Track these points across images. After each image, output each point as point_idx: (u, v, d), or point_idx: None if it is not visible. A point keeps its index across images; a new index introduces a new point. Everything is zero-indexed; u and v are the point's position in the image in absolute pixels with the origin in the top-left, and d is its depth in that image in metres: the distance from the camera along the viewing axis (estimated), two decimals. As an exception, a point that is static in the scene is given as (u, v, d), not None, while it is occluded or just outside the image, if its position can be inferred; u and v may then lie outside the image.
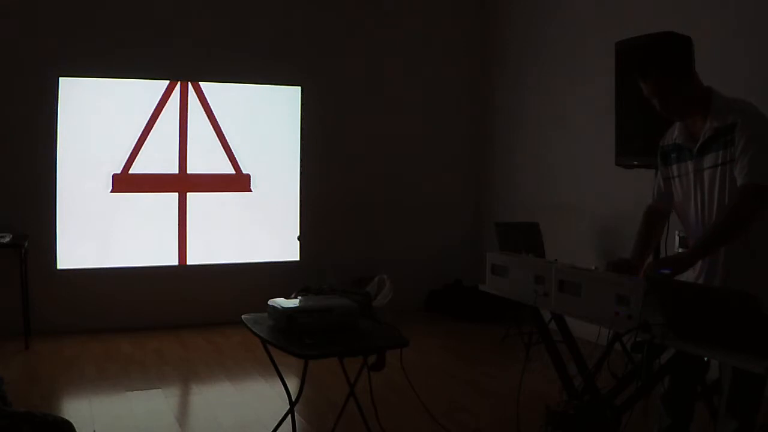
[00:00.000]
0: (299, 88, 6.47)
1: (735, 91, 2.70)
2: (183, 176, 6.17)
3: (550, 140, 6.25)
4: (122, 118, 5.97)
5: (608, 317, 2.39)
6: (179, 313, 6.07)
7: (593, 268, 2.68)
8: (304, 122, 6.50)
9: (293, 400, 3.36)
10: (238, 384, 4.65)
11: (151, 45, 5.96)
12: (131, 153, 5.99)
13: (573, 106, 5.97)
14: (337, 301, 3.33)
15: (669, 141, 2.81)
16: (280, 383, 3.47)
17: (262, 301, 3.42)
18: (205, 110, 6.20)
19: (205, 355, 5.31)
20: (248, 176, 6.37)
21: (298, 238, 6.48)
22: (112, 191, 5.97)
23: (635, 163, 4.22)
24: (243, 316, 3.44)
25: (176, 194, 6.17)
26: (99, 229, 5.97)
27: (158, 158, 6.08)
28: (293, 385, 3.58)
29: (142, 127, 6.01)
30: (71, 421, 2.38)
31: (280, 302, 3.24)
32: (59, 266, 5.83)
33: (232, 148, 6.30)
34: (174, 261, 6.18)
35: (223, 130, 6.26)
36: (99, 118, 5.89)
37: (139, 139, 6.01)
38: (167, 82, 6.07)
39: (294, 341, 3.02)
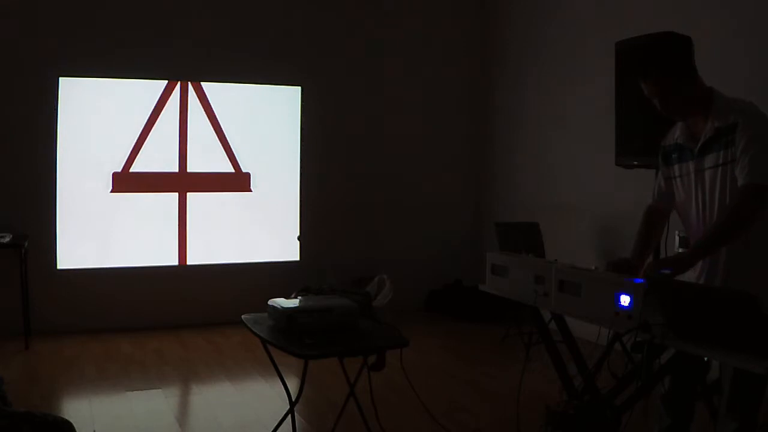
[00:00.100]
0: (299, 88, 6.47)
1: (735, 91, 2.70)
2: (183, 175, 6.17)
3: (550, 140, 6.25)
4: (122, 117, 5.97)
5: (608, 317, 2.39)
6: (179, 313, 6.07)
7: (593, 268, 2.67)
8: (304, 122, 6.50)
9: (293, 400, 3.36)
10: (238, 384, 4.65)
11: (151, 45, 5.96)
12: (131, 152, 6.00)
13: (573, 106, 5.97)
14: (337, 301, 3.33)
15: (670, 141, 2.81)
16: (280, 383, 3.47)
17: (262, 301, 3.42)
18: (205, 110, 6.20)
19: (205, 355, 5.31)
20: (248, 175, 6.37)
21: (298, 238, 6.48)
22: (112, 191, 5.97)
23: (635, 163, 4.22)
24: (243, 316, 3.44)
25: (176, 194, 6.17)
26: (99, 229, 5.97)
27: (158, 158, 6.08)
28: (293, 385, 3.58)
29: (142, 127, 6.02)
30: (71, 421, 2.38)
31: (280, 302, 3.24)
32: (59, 266, 5.83)
33: (232, 148, 6.30)
34: (174, 261, 6.18)
35: (223, 130, 6.26)
36: (99, 118, 5.89)
37: (138, 139, 6.01)
38: (167, 81, 6.07)
39: (294, 341, 3.02)
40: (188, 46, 6.08)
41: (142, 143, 6.02)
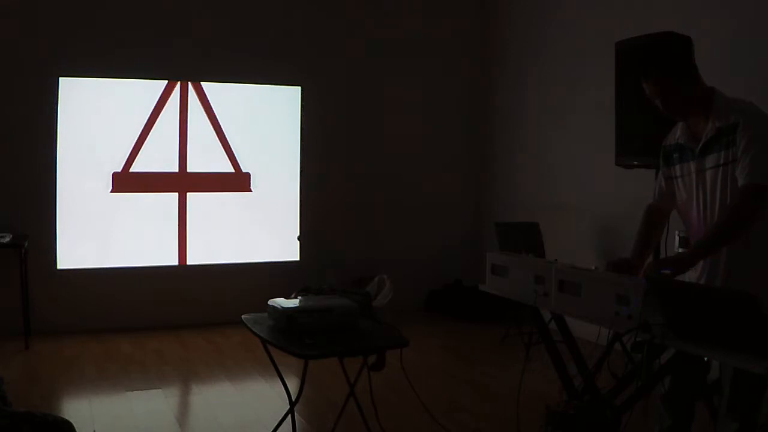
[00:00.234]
0: (299, 88, 6.47)
1: (735, 91, 2.70)
2: (183, 175, 6.17)
3: (550, 140, 6.25)
4: (122, 117, 5.97)
5: (608, 317, 2.39)
6: (179, 313, 6.07)
7: (593, 268, 2.68)
8: (304, 122, 6.50)
9: (293, 400, 3.36)
10: (238, 384, 4.65)
11: (151, 45, 5.96)
12: (131, 152, 6.00)
13: (573, 106, 5.96)
14: (337, 301, 3.33)
15: (671, 141, 2.81)
16: (280, 383, 3.47)
17: (262, 301, 3.42)
18: (205, 110, 6.20)
19: (205, 355, 5.31)
20: (248, 175, 6.37)
21: (298, 238, 6.48)
22: (112, 191, 5.97)
23: (635, 163, 4.22)
24: (243, 316, 3.44)
25: (176, 194, 6.17)
26: (99, 229, 5.97)
27: (158, 158, 6.08)
28: (293, 385, 3.58)
29: (142, 127, 6.02)
30: (71, 421, 2.38)
31: (280, 302, 3.24)
32: (59, 266, 5.83)
33: (232, 148, 6.30)
34: (174, 261, 6.18)
35: (223, 130, 6.26)
36: (99, 118, 5.89)
37: (138, 139, 6.01)
38: (167, 81, 6.07)
39: (294, 341, 3.02)
40: (188, 46, 6.08)
41: (142, 143, 6.02)
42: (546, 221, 5.66)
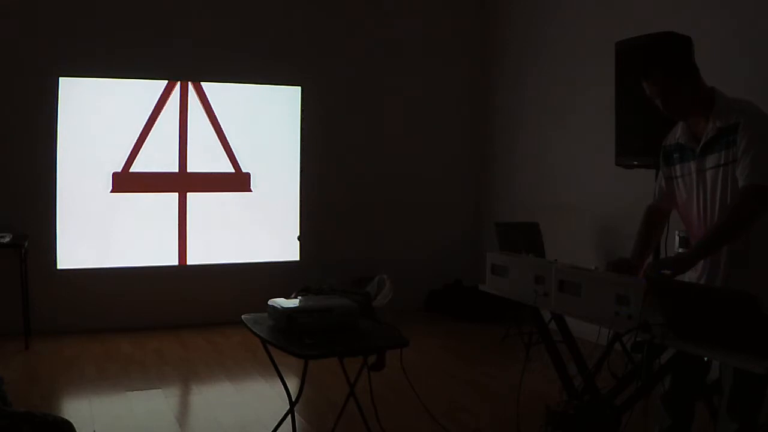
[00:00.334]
0: (299, 88, 6.47)
1: (735, 91, 2.70)
2: (183, 175, 6.17)
3: (550, 140, 6.25)
4: (122, 117, 5.97)
5: (608, 317, 2.39)
6: (179, 313, 6.07)
7: (593, 268, 2.68)
8: (304, 122, 6.50)
9: (293, 400, 3.36)
10: (238, 384, 4.65)
11: (151, 45, 5.96)
12: (131, 152, 5.99)
13: (573, 106, 5.97)
14: (337, 301, 3.33)
15: (672, 141, 2.81)
16: (280, 383, 3.47)
17: (262, 301, 3.43)
18: (205, 110, 6.20)
19: (205, 355, 5.31)
20: (248, 175, 6.37)
21: (298, 238, 6.48)
22: (112, 191, 5.97)
23: (635, 163, 4.23)
24: (243, 316, 3.44)
25: (176, 194, 6.17)
26: (99, 229, 5.97)
27: (158, 158, 6.08)
28: (293, 385, 3.58)
29: (142, 127, 6.01)
30: (71, 421, 2.38)
31: (280, 302, 3.24)
32: (59, 266, 5.83)
33: (232, 148, 6.30)
34: (174, 261, 6.18)
35: (223, 130, 6.26)
36: (99, 118, 5.89)
37: (138, 139, 6.01)
38: (167, 81, 6.06)
39: (294, 341, 3.02)
40: (188, 46, 6.07)
41: (142, 143, 6.02)
42: (546, 221, 5.66)
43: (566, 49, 6.05)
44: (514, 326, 5.45)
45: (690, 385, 2.82)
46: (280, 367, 3.39)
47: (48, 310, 5.68)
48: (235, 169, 6.34)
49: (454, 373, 4.97)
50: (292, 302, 3.27)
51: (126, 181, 6.00)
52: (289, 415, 3.39)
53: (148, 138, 6.03)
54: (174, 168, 6.15)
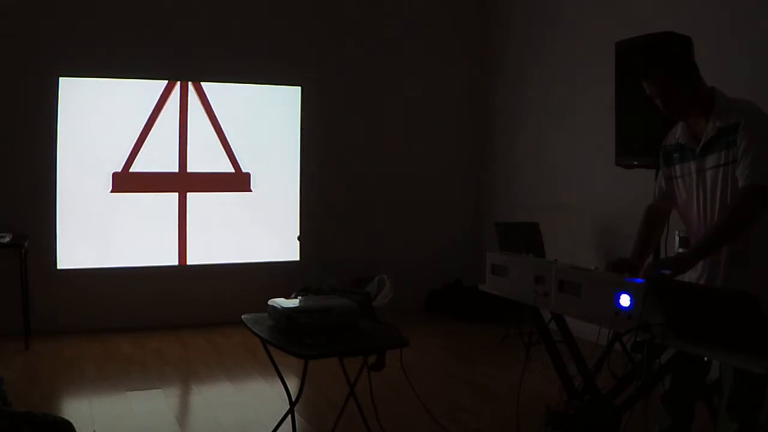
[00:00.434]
0: (299, 88, 6.47)
1: (735, 91, 2.70)
2: (183, 175, 6.17)
3: (550, 140, 6.25)
4: (122, 117, 5.97)
5: (608, 317, 2.39)
6: (179, 313, 6.07)
7: (593, 268, 2.68)
8: (304, 122, 6.50)
9: (293, 400, 3.36)
10: (238, 384, 4.65)
11: (151, 45, 5.96)
12: (131, 152, 5.99)
13: (573, 106, 5.97)
14: (337, 301, 3.33)
15: (671, 141, 2.81)
16: (280, 383, 3.47)
17: (262, 301, 3.43)
18: (205, 110, 6.20)
19: (205, 355, 5.31)
20: (248, 175, 6.37)
21: (298, 238, 6.47)
22: (112, 191, 5.97)
23: (635, 163, 4.22)
24: (243, 316, 3.44)
25: (176, 194, 6.17)
26: (99, 229, 5.97)
27: (158, 158, 6.08)
28: (293, 385, 3.58)
29: (142, 127, 6.01)
30: (71, 421, 2.38)
31: (280, 302, 3.24)
32: (59, 266, 5.83)
33: (232, 148, 6.30)
34: (174, 261, 6.18)
35: (223, 130, 6.26)
36: (99, 118, 5.89)
37: (138, 139, 6.01)
38: (167, 81, 6.07)
39: (294, 341, 3.02)
40: (188, 46, 6.07)
41: (142, 143, 6.02)
42: (546, 221, 5.66)
43: (566, 49, 6.05)
44: (514, 326, 5.45)
45: (690, 385, 2.82)
46: (280, 367, 3.39)
47: (48, 310, 5.68)
48: (235, 169, 6.34)
49: (454, 373, 4.97)
50: (292, 302, 3.27)
51: (126, 181, 6.00)
52: (289, 415, 3.39)
53: (148, 138, 6.03)
54: (174, 168, 6.15)
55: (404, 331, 3.28)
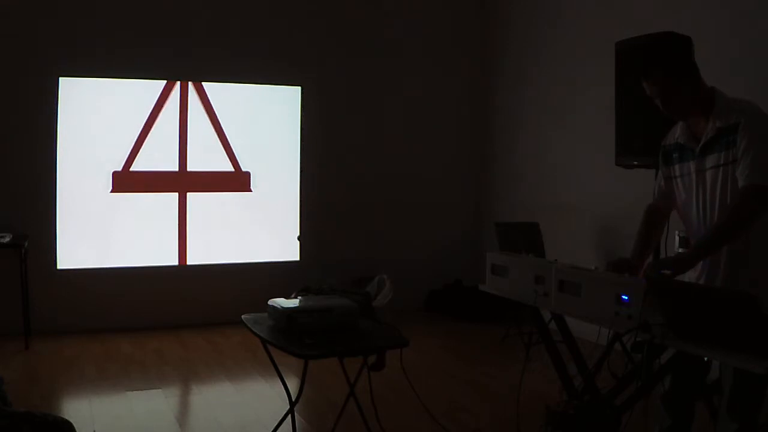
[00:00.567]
0: (299, 88, 6.47)
1: (735, 91, 2.70)
2: (183, 174, 6.17)
3: (550, 140, 6.25)
4: (122, 117, 5.97)
5: (608, 317, 2.39)
6: (179, 313, 6.07)
7: (593, 268, 2.68)
8: (304, 122, 6.50)
9: (293, 400, 3.36)
10: (238, 384, 4.65)
11: (151, 45, 5.96)
12: (131, 152, 5.99)
13: (573, 106, 5.97)
14: (337, 301, 3.33)
15: (671, 141, 2.81)
16: (280, 383, 3.47)
17: (262, 301, 3.43)
18: (205, 109, 6.20)
19: (205, 355, 5.31)
20: (248, 174, 6.37)
21: (298, 238, 6.47)
22: (112, 190, 5.97)
23: (635, 163, 4.22)
24: (243, 316, 3.44)
25: (176, 194, 6.17)
26: (99, 229, 5.97)
27: (158, 158, 6.08)
28: (293, 385, 3.58)
29: (142, 127, 6.01)
30: (71, 421, 2.38)
31: (280, 302, 3.24)
32: (59, 266, 5.83)
33: (232, 147, 6.30)
34: (174, 261, 6.18)
35: (223, 129, 6.26)
36: (99, 118, 5.89)
37: (138, 138, 6.01)
38: (167, 81, 6.06)
39: (294, 341, 3.02)
40: (188, 46, 6.07)
41: (142, 143, 6.02)
42: (546, 221, 5.66)
43: (566, 49, 6.05)
44: (514, 326, 5.45)
45: (690, 385, 2.82)
46: (280, 367, 3.39)
47: (48, 310, 5.68)
48: (235, 168, 6.34)
49: (454, 373, 4.97)
50: (292, 302, 3.27)
51: (126, 180, 6.00)
52: (289, 415, 3.39)
53: (148, 138, 6.03)
54: (174, 167, 6.14)
55: (404, 331, 3.28)
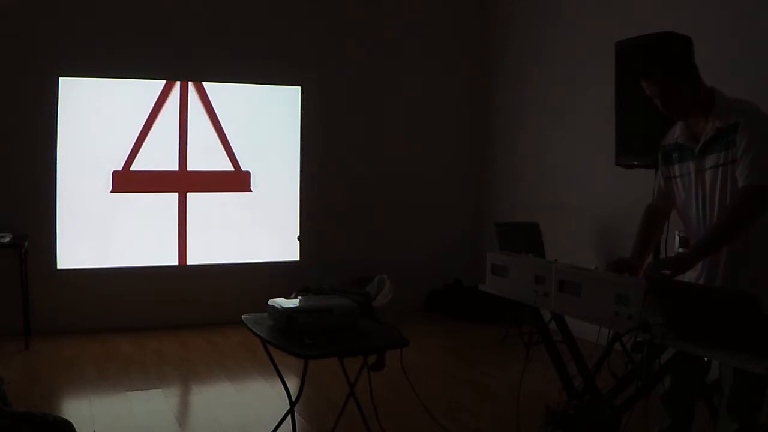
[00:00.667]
0: (299, 88, 6.47)
1: (735, 91, 2.70)
2: (183, 174, 6.17)
3: (550, 140, 6.25)
4: (122, 117, 5.97)
5: (608, 317, 2.39)
6: (179, 313, 6.07)
7: (593, 268, 2.68)
8: (304, 122, 6.50)
9: (293, 400, 3.36)
10: (238, 384, 4.65)
11: (151, 45, 5.96)
12: (131, 151, 5.99)
13: (573, 106, 5.97)
14: (337, 301, 3.33)
15: (670, 141, 2.81)
16: (280, 383, 3.47)
17: (262, 301, 3.43)
18: (205, 109, 6.20)
19: (205, 355, 5.31)
20: (248, 174, 6.37)
21: (298, 238, 6.48)
22: (112, 190, 5.97)
23: (635, 163, 4.22)
24: (243, 316, 3.44)
25: (176, 194, 6.17)
26: (99, 229, 5.97)
27: (158, 158, 6.08)
28: (293, 385, 3.58)
29: (142, 127, 6.01)
30: (71, 421, 2.38)
31: (280, 302, 3.24)
32: (59, 266, 5.83)
33: (232, 147, 6.30)
34: (174, 261, 6.18)
35: (223, 129, 6.26)
36: (99, 118, 5.89)
37: (138, 138, 6.01)
38: (167, 81, 6.06)
39: (294, 341, 3.02)
40: (188, 46, 6.07)
41: (142, 142, 6.02)
42: (546, 221, 5.66)
43: (566, 49, 6.05)
44: (514, 326, 5.45)
45: (690, 385, 2.82)
46: (280, 367, 3.39)
47: (48, 310, 5.68)
48: (235, 168, 6.34)
49: (454, 373, 4.97)
50: (292, 302, 3.27)
51: (126, 180, 6.00)
52: (289, 415, 3.39)
53: (148, 137, 6.03)
54: (174, 167, 6.14)
55: (404, 331, 3.28)
